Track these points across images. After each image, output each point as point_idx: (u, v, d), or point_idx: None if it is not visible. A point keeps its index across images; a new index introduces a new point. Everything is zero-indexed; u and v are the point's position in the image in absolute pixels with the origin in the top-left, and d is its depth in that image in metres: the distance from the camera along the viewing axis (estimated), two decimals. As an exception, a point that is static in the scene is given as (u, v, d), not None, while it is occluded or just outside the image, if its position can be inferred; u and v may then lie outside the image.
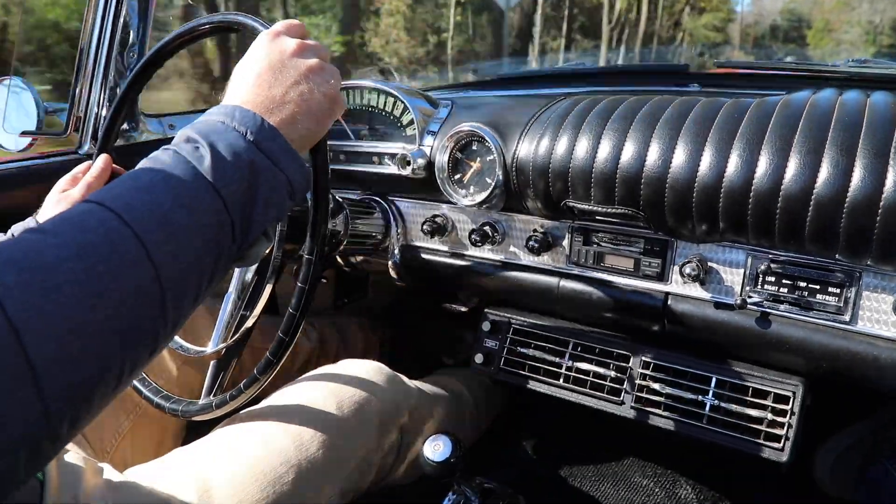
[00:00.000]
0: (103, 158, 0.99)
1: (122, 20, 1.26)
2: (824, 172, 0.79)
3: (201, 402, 0.88)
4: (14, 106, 1.24)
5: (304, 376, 1.00)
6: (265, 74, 0.63)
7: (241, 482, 0.79)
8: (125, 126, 1.37)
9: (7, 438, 0.39)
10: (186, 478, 0.79)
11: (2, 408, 0.38)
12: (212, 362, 0.94)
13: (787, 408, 0.94)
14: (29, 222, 0.95)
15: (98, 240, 0.46)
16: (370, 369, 1.02)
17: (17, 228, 0.94)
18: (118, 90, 1.15)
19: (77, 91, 1.29)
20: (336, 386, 0.96)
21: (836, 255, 0.84)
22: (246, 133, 0.57)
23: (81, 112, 1.29)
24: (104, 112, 1.29)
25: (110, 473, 0.79)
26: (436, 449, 0.84)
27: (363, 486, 0.94)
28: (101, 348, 0.44)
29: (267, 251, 0.83)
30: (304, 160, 0.62)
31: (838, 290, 0.88)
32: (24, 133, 1.23)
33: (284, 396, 0.95)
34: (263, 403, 0.94)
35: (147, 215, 0.49)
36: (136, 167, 0.55)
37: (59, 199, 0.96)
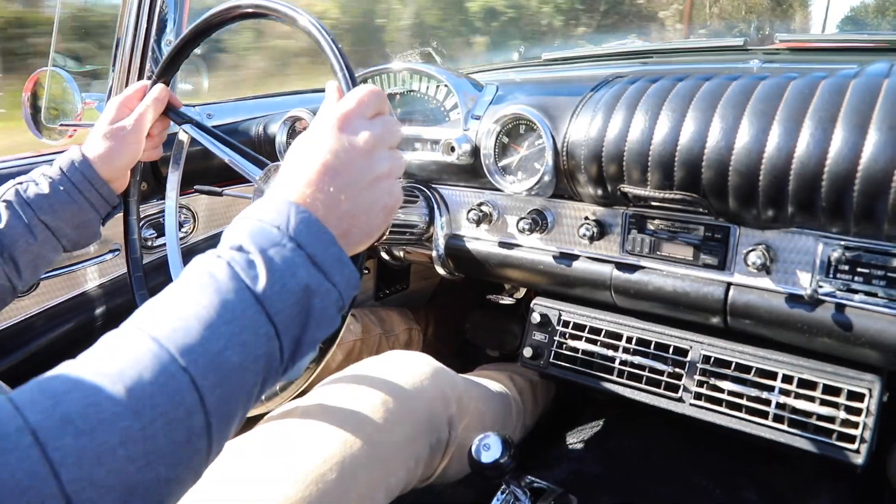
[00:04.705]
0: (160, 88, 0.98)
1: (157, 9, 1.25)
2: (907, 150, 0.72)
3: None
4: (53, 97, 1.24)
5: (347, 369, 0.98)
6: (328, 173, 0.57)
7: (283, 480, 0.76)
8: None
9: None
10: (225, 475, 0.77)
11: None
12: None
13: (863, 406, 0.88)
14: (73, 153, 0.93)
15: (156, 391, 0.44)
16: (416, 361, 0.99)
17: (62, 161, 0.93)
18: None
19: (114, 82, 1.28)
20: (381, 380, 0.93)
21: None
22: (302, 245, 0.53)
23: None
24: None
25: None
26: (485, 449, 0.80)
27: (410, 483, 0.91)
28: (149, 502, 0.43)
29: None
30: (356, 270, 0.58)
31: (921, 279, 0.81)
32: (63, 125, 1.23)
33: (328, 391, 0.92)
34: (307, 398, 0.91)
35: (203, 357, 0.47)
36: (186, 275, 0.52)
37: (108, 132, 0.94)
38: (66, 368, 0.45)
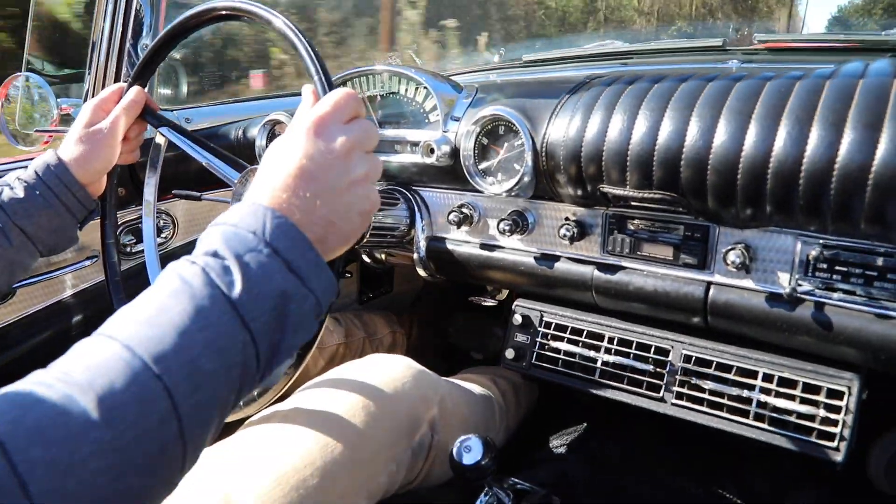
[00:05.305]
0: (136, 90, 0.96)
1: (133, 10, 1.23)
2: (882, 148, 0.73)
3: None
4: (27, 103, 1.22)
5: (329, 373, 0.97)
6: (304, 178, 0.57)
7: (263, 486, 0.75)
8: None
9: None
10: (206, 481, 0.76)
11: None
12: None
13: (842, 404, 0.88)
14: (49, 157, 0.92)
15: (128, 399, 0.43)
16: (398, 365, 0.99)
17: (37, 165, 0.91)
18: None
19: (90, 86, 1.27)
20: (363, 383, 0.92)
21: (896, 239, 0.77)
22: (278, 250, 0.52)
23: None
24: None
25: None
26: (467, 451, 0.80)
27: (392, 487, 0.91)
28: None
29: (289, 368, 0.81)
30: (333, 275, 0.57)
31: (898, 277, 0.81)
32: (38, 130, 1.21)
33: (309, 395, 0.91)
34: (288, 402, 0.90)
35: (177, 364, 0.46)
36: (160, 283, 0.51)
37: (83, 136, 0.93)
38: (36, 377, 0.44)
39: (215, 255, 0.51)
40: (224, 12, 0.83)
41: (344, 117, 0.62)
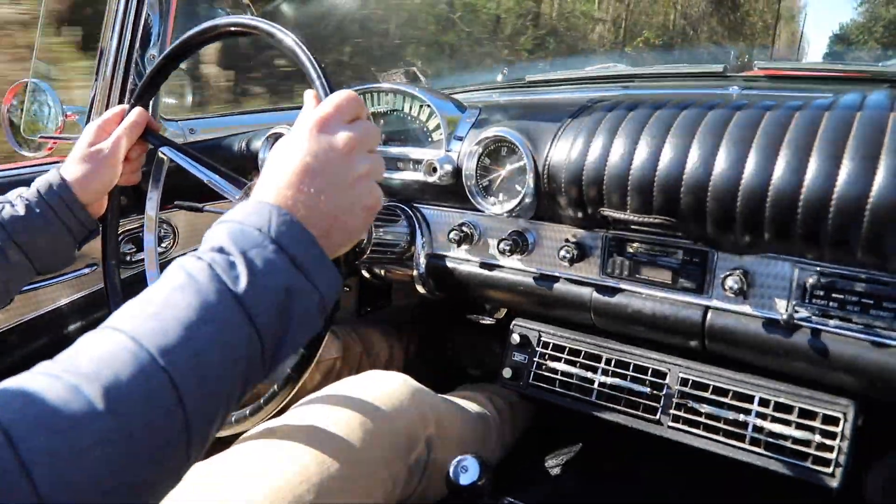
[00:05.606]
0: (138, 112, 0.97)
1: (142, 20, 1.24)
2: (880, 180, 0.74)
3: None
4: (33, 109, 1.23)
5: (326, 388, 0.97)
6: (308, 174, 0.58)
7: (257, 501, 0.75)
8: None
9: None
10: (202, 497, 0.76)
11: None
12: None
13: (838, 430, 0.88)
14: (52, 176, 0.92)
15: (133, 391, 0.43)
16: (395, 381, 0.99)
17: (40, 183, 0.92)
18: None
19: (96, 94, 1.27)
20: (360, 400, 0.92)
21: (893, 268, 0.78)
22: (284, 246, 0.53)
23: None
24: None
25: None
26: (463, 471, 0.80)
27: (387, 505, 0.90)
28: None
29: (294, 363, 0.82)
30: (338, 272, 0.58)
31: (894, 305, 0.82)
32: (43, 137, 1.22)
33: (306, 411, 0.91)
34: (284, 418, 0.90)
35: (182, 357, 0.46)
36: (166, 277, 0.51)
37: (85, 156, 0.94)
38: (42, 368, 0.44)
39: (221, 250, 0.52)
40: (233, 28, 0.84)
41: (346, 118, 0.63)
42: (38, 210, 0.90)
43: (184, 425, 0.46)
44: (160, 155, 1.05)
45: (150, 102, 1.01)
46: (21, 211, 0.90)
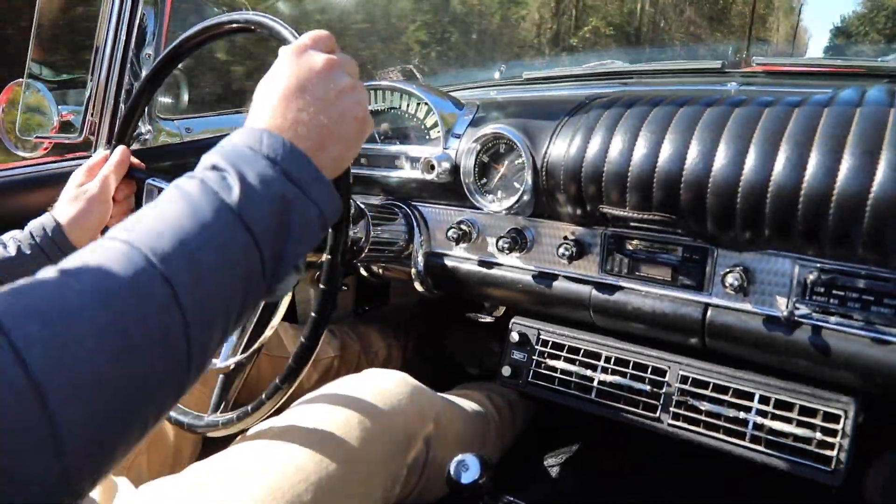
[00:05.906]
0: (121, 150, 1.00)
1: (137, 20, 1.24)
2: (880, 175, 0.74)
3: (222, 416, 0.85)
4: (28, 109, 1.22)
5: (325, 387, 0.96)
6: (293, 95, 0.59)
7: (256, 499, 0.75)
8: (140, 129, 1.35)
9: (24, 502, 0.36)
10: (201, 495, 0.75)
11: (22, 471, 0.36)
12: (220, 376, 0.91)
13: (838, 427, 0.88)
14: (45, 219, 0.93)
15: (124, 284, 0.43)
16: (394, 380, 0.98)
17: (33, 226, 0.92)
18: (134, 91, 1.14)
19: (91, 93, 1.27)
20: (359, 399, 0.92)
21: (894, 265, 0.78)
22: (276, 161, 0.53)
23: (96, 116, 1.27)
24: (120, 114, 1.27)
25: (125, 488, 0.77)
26: (464, 470, 0.79)
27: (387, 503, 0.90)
28: (125, 404, 0.42)
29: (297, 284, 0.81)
30: (334, 188, 0.58)
31: (895, 302, 0.82)
32: (38, 137, 1.22)
33: (304, 410, 0.91)
34: (283, 416, 0.90)
35: (175, 256, 0.46)
36: (160, 197, 0.52)
37: (75, 196, 0.97)
38: (37, 273, 0.44)
39: (214, 167, 0.53)
40: (232, 25, 0.83)
41: (321, 47, 0.64)
42: (28, 252, 0.92)
43: (182, 325, 0.45)
44: (149, 186, 1.05)
45: (130, 141, 1.03)
46: (12, 252, 0.91)
